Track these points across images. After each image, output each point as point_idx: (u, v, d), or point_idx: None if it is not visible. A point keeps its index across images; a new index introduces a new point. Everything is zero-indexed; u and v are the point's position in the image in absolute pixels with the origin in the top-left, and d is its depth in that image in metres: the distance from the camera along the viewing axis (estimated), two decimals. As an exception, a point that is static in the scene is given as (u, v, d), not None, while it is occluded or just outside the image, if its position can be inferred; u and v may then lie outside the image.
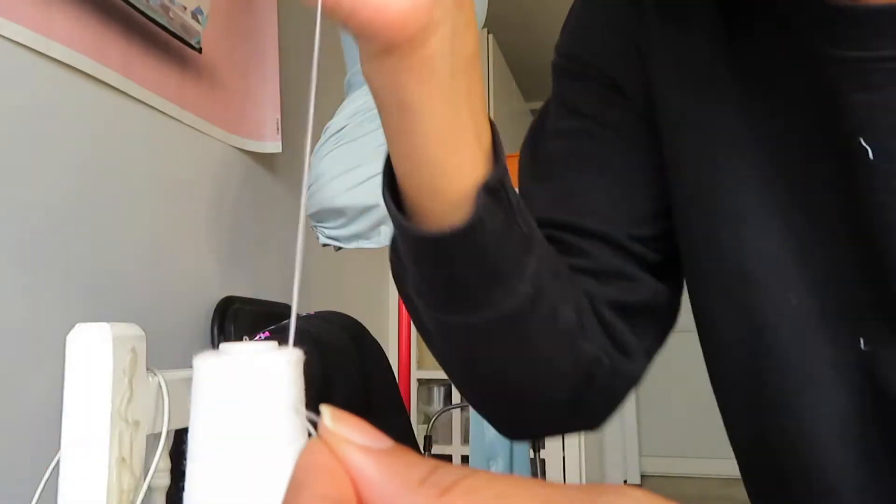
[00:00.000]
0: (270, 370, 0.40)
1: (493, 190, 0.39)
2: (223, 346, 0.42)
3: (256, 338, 0.90)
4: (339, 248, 1.51)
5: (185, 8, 1.56)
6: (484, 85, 0.40)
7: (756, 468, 0.53)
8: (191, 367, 0.43)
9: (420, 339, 2.67)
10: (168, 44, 1.52)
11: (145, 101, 1.46)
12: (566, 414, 0.51)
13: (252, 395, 0.41)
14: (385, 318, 2.71)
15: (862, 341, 0.44)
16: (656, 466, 4.11)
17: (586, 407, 0.51)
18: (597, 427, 0.54)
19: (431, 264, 0.42)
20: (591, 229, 0.51)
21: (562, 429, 0.57)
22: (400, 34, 0.34)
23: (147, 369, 0.51)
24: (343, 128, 1.47)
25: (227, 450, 0.40)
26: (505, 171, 0.41)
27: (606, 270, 0.51)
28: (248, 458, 0.39)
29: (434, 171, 0.39)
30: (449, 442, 2.77)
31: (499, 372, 0.47)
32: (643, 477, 3.96)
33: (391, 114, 0.38)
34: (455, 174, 0.39)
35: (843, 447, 0.45)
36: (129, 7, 1.39)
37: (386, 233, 1.42)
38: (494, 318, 0.42)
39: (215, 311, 1.65)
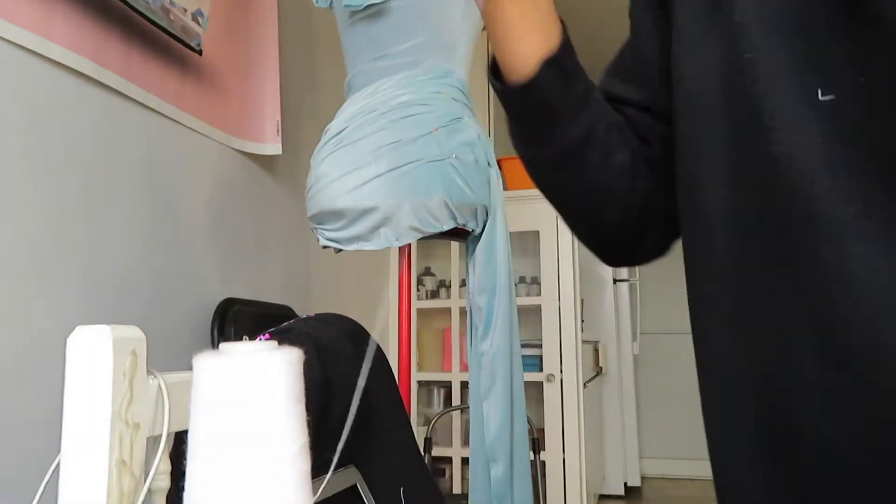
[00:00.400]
0: (269, 370, 0.40)
1: (551, 62, 0.58)
2: (222, 346, 0.42)
3: (257, 339, 0.90)
4: (340, 250, 1.51)
5: (186, 10, 1.56)
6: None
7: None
8: (192, 369, 0.43)
9: (421, 341, 2.68)
10: (168, 46, 1.52)
11: (145, 104, 1.46)
12: (635, 240, 0.66)
13: (252, 394, 0.41)
14: (385, 319, 2.71)
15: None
16: (656, 468, 4.10)
17: (650, 236, 0.66)
18: (664, 252, 0.69)
19: (512, 110, 0.62)
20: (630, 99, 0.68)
21: (635, 256, 0.70)
22: None
23: (147, 371, 0.51)
24: (343, 130, 1.47)
25: (228, 449, 0.40)
26: (566, 51, 0.59)
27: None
28: (248, 458, 0.39)
29: (511, 54, 0.59)
30: (449, 444, 2.77)
31: (568, 200, 0.67)
32: (643, 479, 3.96)
33: (489, 21, 0.60)
34: (524, 56, 0.58)
35: (831, 173, 0.45)
36: (129, 9, 1.39)
37: (385, 234, 1.41)
38: (554, 153, 0.62)
39: (215, 312, 1.65)
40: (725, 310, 0.51)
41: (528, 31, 0.58)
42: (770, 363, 0.48)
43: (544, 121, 0.60)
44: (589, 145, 0.61)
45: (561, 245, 2.81)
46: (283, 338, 1.00)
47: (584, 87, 0.61)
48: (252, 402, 0.41)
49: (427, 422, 2.65)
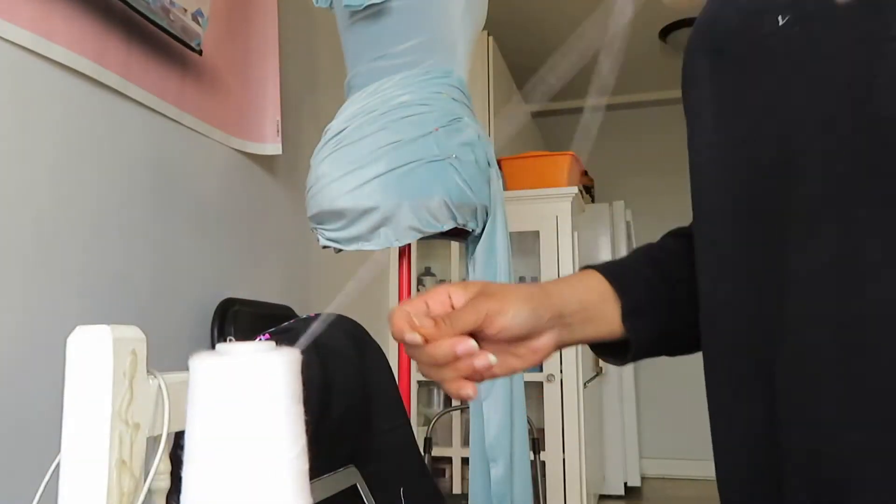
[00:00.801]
0: (269, 370, 0.40)
1: (631, 313, 0.64)
2: (220, 346, 0.42)
3: (257, 339, 0.90)
4: (340, 251, 1.51)
5: (186, 10, 1.56)
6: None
7: None
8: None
9: (420, 341, 2.62)
10: (168, 46, 1.52)
11: (145, 103, 1.46)
12: None
13: (251, 394, 0.40)
14: (385, 320, 2.71)
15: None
16: (656, 469, 4.10)
17: None
18: None
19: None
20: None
21: None
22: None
23: (147, 371, 0.51)
24: (343, 130, 1.47)
25: (226, 450, 0.39)
26: (630, 295, 0.66)
27: None
28: (246, 459, 0.39)
29: (593, 339, 0.66)
30: (449, 444, 2.76)
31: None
32: (643, 479, 3.95)
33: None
34: (603, 334, 0.65)
35: None
36: (129, 9, 1.39)
37: (385, 234, 1.41)
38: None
39: (215, 312, 1.65)
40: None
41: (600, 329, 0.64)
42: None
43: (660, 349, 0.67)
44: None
45: (561, 245, 2.81)
46: (283, 338, 1.00)
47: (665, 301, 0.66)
48: (251, 403, 0.41)
49: (427, 422, 2.65)
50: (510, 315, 0.58)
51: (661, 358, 0.67)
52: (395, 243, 1.42)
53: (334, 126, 1.50)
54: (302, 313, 1.93)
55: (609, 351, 0.67)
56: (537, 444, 2.32)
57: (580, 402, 2.71)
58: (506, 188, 1.80)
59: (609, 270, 0.65)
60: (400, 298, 1.67)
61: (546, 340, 0.60)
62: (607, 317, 0.63)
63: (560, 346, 0.62)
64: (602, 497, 3.64)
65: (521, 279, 2.96)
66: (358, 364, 1.18)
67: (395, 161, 1.39)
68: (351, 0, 1.46)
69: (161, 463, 0.51)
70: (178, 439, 0.70)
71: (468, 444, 1.61)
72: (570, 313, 0.61)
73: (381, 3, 1.46)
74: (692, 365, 0.71)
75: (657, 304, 0.64)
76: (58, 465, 0.46)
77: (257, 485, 0.40)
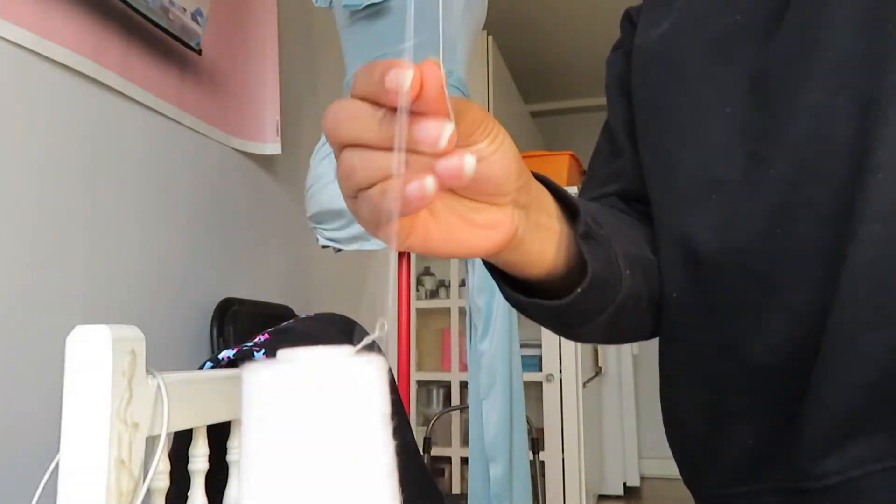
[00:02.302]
0: (370, 377, 0.37)
1: (584, 236, 0.49)
2: (281, 353, 0.38)
3: (256, 339, 0.89)
4: (339, 250, 1.51)
5: (185, 10, 1.56)
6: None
7: None
8: (190, 368, 0.42)
9: (420, 340, 2.66)
10: (168, 45, 1.52)
11: (145, 103, 1.46)
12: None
13: (352, 402, 0.36)
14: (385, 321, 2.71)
15: None
16: (655, 469, 4.10)
17: None
18: None
19: (557, 320, 0.54)
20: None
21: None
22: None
23: (146, 371, 0.51)
24: (343, 129, 1.47)
25: (326, 460, 0.35)
26: (584, 219, 0.49)
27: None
28: (344, 469, 0.35)
29: (535, 263, 0.48)
30: (448, 443, 2.77)
31: (606, 337, 0.61)
32: (642, 479, 3.96)
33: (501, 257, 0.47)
34: (547, 262, 0.49)
35: None
36: (128, 9, 1.39)
37: (385, 234, 1.41)
38: (590, 329, 0.55)
39: (215, 312, 1.65)
40: None
41: (542, 239, 0.47)
42: None
43: (584, 318, 0.53)
44: (625, 307, 0.55)
45: (560, 245, 2.81)
46: (284, 337, 1.00)
47: (619, 272, 0.53)
48: (353, 411, 0.35)
49: (426, 422, 2.65)
50: (500, 141, 0.39)
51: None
52: (395, 243, 1.42)
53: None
54: (301, 313, 1.93)
55: (536, 290, 0.51)
56: (536, 443, 2.33)
57: (579, 402, 2.72)
58: (505, 188, 1.79)
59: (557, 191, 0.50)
60: (399, 298, 1.67)
61: (507, 216, 0.42)
62: (553, 229, 0.48)
63: (512, 240, 0.43)
64: (601, 497, 3.64)
65: (521, 279, 2.96)
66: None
67: (394, 161, 1.39)
68: (350, 0, 1.46)
69: (160, 462, 0.51)
70: (177, 439, 0.70)
71: (467, 444, 1.61)
72: (532, 188, 0.44)
73: (381, 2, 1.46)
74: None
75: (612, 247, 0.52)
76: (57, 464, 0.46)
77: (362, 491, 0.36)
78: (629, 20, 0.68)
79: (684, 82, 0.58)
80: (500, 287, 0.53)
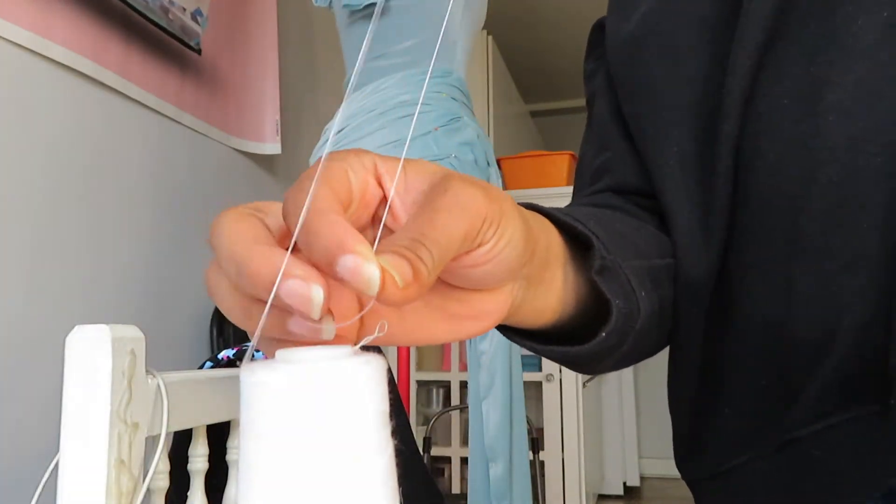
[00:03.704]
0: (370, 377, 0.36)
1: (600, 271, 0.43)
2: (280, 352, 0.38)
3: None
4: (339, 250, 1.50)
5: (185, 9, 1.56)
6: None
7: None
8: (190, 368, 0.42)
9: (419, 340, 2.64)
10: (167, 45, 1.52)
11: (144, 103, 1.46)
12: None
13: (351, 402, 0.36)
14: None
15: None
16: (655, 468, 4.10)
17: None
18: None
19: (574, 362, 0.47)
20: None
21: None
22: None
23: (146, 371, 0.51)
24: (342, 129, 1.47)
25: (325, 460, 0.35)
26: (598, 252, 0.43)
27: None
28: (343, 470, 0.35)
29: (533, 321, 0.42)
30: (448, 443, 2.77)
31: (623, 365, 0.53)
32: (642, 479, 3.96)
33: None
34: (547, 315, 0.42)
35: None
36: (128, 8, 1.39)
37: (385, 234, 1.41)
38: (621, 353, 0.47)
39: (214, 312, 1.65)
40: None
41: (551, 285, 0.41)
42: None
43: (607, 354, 0.47)
44: (643, 330, 0.49)
45: (560, 245, 2.81)
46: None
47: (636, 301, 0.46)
48: (351, 412, 0.35)
49: (426, 421, 2.65)
50: (508, 236, 0.31)
51: (661, 357, 0.62)
52: (395, 243, 1.42)
53: (333, 125, 1.50)
54: (301, 313, 1.93)
55: (556, 336, 0.45)
56: (536, 443, 2.33)
57: (579, 402, 2.71)
58: (505, 188, 1.80)
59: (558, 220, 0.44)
60: (399, 298, 1.66)
61: (502, 301, 0.35)
62: (555, 279, 0.41)
63: (507, 314, 0.37)
64: (601, 497, 3.64)
65: (521, 279, 2.96)
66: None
67: (394, 160, 1.39)
68: (350, 0, 1.46)
69: (160, 462, 0.51)
70: (176, 439, 0.70)
71: (467, 444, 1.61)
72: (538, 250, 0.37)
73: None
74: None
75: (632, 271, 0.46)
76: (57, 464, 0.46)
77: (358, 494, 0.36)
78: (602, 30, 0.67)
79: (676, 54, 0.55)
80: (507, 336, 0.46)
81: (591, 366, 0.49)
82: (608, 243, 0.46)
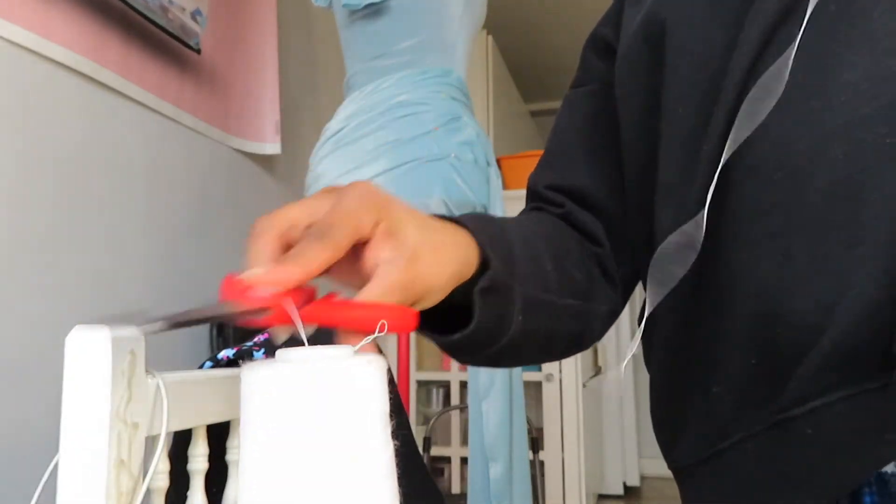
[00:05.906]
0: (370, 377, 0.36)
1: (484, 291, 0.47)
2: (281, 352, 0.38)
3: (256, 339, 0.89)
4: (339, 250, 1.50)
5: (184, 9, 1.56)
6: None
7: None
8: (190, 368, 0.42)
9: (419, 340, 2.65)
10: (167, 45, 1.52)
11: (144, 103, 1.46)
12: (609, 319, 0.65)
13: (351, 402, 0.35)
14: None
15: None
16: (655, 468, 4.10)
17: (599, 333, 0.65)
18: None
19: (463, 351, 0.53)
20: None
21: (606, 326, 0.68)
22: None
23: (146, 371, 0.51)
24: (342, 129, 1.47)
25: (325, 459, 0.34)
26: (492, 274, 0.48)
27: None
28: (343, 469, 0.35)
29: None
30: (448, 443, 2.76)
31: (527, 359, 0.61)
32: (642, 478, 3.96)
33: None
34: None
35: None
36: (127, 8, 1.39)
37: (385, 234, 1.41)
38: (490, 355, 0.53)
39: (214, 312, 1.65)
40: None
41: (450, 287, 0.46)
42: None
43: (486, 342, 0.52)
44: (524, 346, 0.56)
45: (560, 245, 2.80)
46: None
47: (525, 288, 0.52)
48: (355, 411, 0.35)
49: (426, 421, 2.65)
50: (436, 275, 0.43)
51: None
52: (395, 243, 1.42)
53: (333, 125, 1.50)
54: (301, 313, 1.93)
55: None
56: (536, 443, 2.33)
57: (579, 402, 2.71)
58: (505, 187, 1.80)
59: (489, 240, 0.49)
60: (399, 298, 1.66)
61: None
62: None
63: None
64: (601, 496, 3.64)
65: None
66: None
67: (394, 160, 1.39)
68: (350, 0, 1.46)
69: (160, 462, 0.51)
70: (176, 439, 0.70)
71: (467, 444, 1.61)
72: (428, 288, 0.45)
73: (380, 2, 1.46)
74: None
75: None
76: (56, 464, 0.46)
77: (361, 490, 0.36)
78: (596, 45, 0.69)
79: (692, 26, 0.55)
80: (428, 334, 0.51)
81: (458, 356, 0.55)
82: (517, 264, 0.51)
